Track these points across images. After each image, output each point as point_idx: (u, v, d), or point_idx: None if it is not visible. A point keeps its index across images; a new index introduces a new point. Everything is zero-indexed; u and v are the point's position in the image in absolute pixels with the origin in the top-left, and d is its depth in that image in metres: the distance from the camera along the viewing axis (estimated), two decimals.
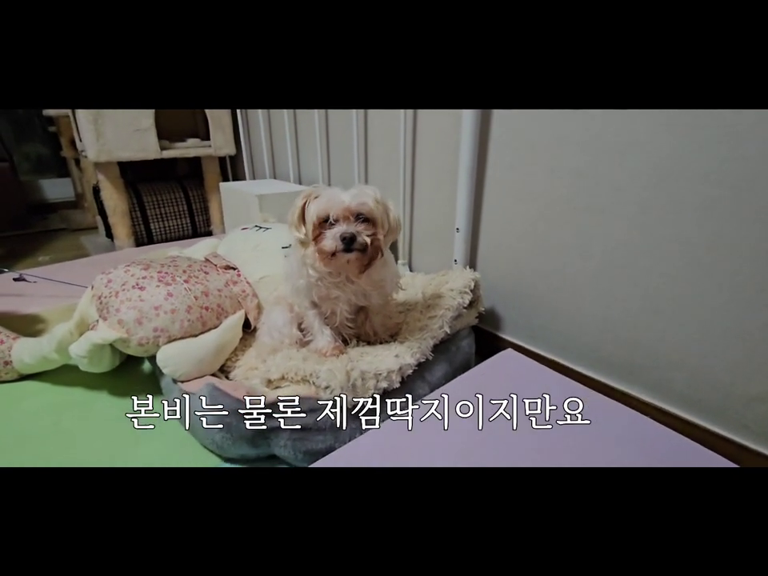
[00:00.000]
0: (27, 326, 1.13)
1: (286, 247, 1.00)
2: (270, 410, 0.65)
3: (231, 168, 2.00)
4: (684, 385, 0.73)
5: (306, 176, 1.56)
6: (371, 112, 1.20)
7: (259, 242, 1.01)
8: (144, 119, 1.56)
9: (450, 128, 0.97)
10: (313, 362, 0.70)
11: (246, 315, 0.92)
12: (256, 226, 1.08)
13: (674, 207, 0.67)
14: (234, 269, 0.96)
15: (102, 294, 0.81)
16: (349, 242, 0.64)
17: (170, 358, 0.78)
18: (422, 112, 1.05)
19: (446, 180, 1.02)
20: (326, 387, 0.66)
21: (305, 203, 0.68)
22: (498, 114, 0.88)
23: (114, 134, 1.52)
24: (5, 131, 2.58)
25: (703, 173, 0.63)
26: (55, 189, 2.75)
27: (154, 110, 1.57)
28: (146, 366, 0.96)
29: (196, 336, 0.82)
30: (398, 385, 0.71)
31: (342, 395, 0.65)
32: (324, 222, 0.66)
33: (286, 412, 0.64)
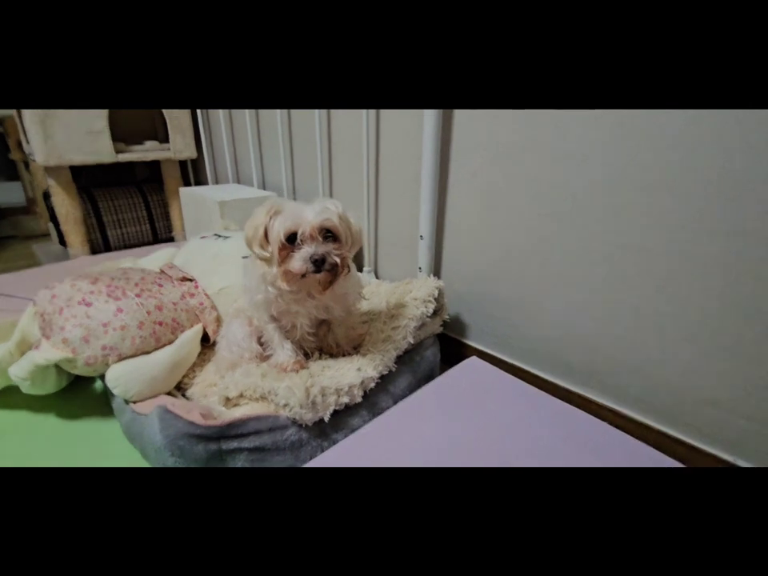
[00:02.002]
0: None
1: (247, 257, 0.97)
2: (224, 433, 0.62)
3: (193, 172, 1.94)
4: (640, 389, 0.74)
5: (270, 181, 1.52)
6: (334, 117, 1.18)
7: (218, 252, 0.98)
8: (97, 120, 1.49)
9: (413, 133, 0.96)
10: (271, 379, 0.68)
11: (204, 329, 0.88)
12: (215, 234, 1.04)
13: (630, 215, 0.69)
14: (191, 280, 0.93)
15: (45, 310, 0.76)
16: (320, 263, 0.62)
17: (120, 377, 0.74)
18: (384, 116, 1.04)
19: (411, 186, 1.01)
20: (285, 405, 0.64)
21: (267, 220, 0.64)
22: (459, 120, 0.88)
23: (63, 136, 1.44)
24: None
25: (657, 181, 0.65)
26: (4, 193, 2.60)
27: (107, 111, 1.50)
28: (98, 384, 0.91)
29: (149, 353, 0.78)
30: (360, 399, 0.70)
31: (301, 413, 0.63)
32: (289, 241, 0.63)
33: (243, 434, 0.62)
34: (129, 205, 1.84)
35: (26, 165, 2.19)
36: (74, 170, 1.59)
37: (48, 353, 0.73)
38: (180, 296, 0.87)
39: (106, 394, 0.85)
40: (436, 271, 1.02)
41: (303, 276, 0.63)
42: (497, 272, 0.91)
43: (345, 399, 0.68)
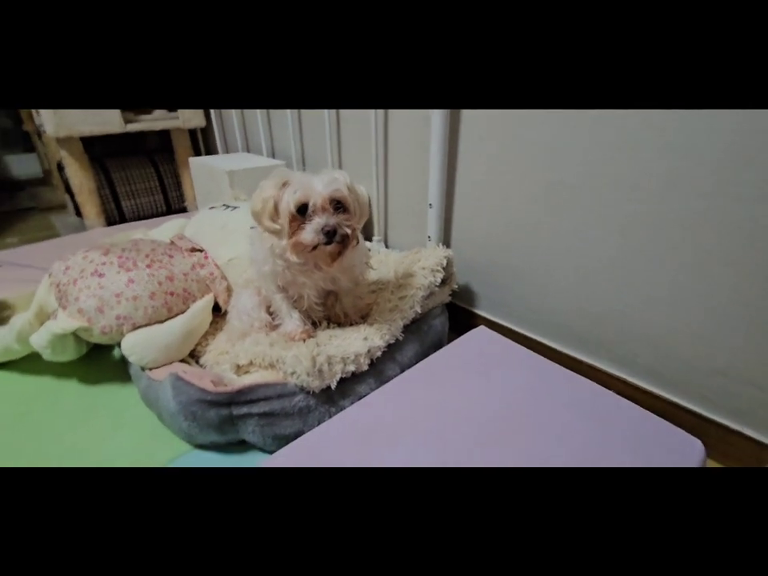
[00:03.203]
0: None
1: (255, 227, 0.97)
2: (234, 399, 0.64)
3: (203, 141, 1.92)
4: (650, 359, 0.74)
5: (279, 149, 1.50)
6: None
7: (227, 222, 0.98)
8: None
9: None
10: (279, 348, 0.69)
11: (215, 299, 0.90)
12: (224, 204, 1.04)
13: (642, 181, 0.66)
14: (201, 251, 0.94)
15: (60, 281, 0.78)
16: (331, 234, 0.61)
17: (135, 346, 0.76)
18: None
19: (419, 154, 0.99)
20: (292, 373, 0.65)
21: (277, 193, 0.63)
22: None
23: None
24: None
25: (673, 145, 0.61)
26: (22, 165, 2.63)
27: None
28: (116, 351, 0.95)
29: (162, 322, 0.80)
30: (366, 367, 0.71)
31: (308, 381, 0.64)
32: (299, 212, 0.62)
33: (252, 400, 0.64)
34: (141, 175, 1.84)
35: (40, 136, 2.21)
36: (86, 141, 1.59)
37: (65, 322, 0.75)
38: (190, 266, 0.88)
39: (124, 361, 0.88)
40: (445, 240, 1.01)
41: (314, 248, 0.63)
42: (507, 241, 0.89)
43: (351, 367, 0.69)
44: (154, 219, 1.74)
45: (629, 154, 0.66)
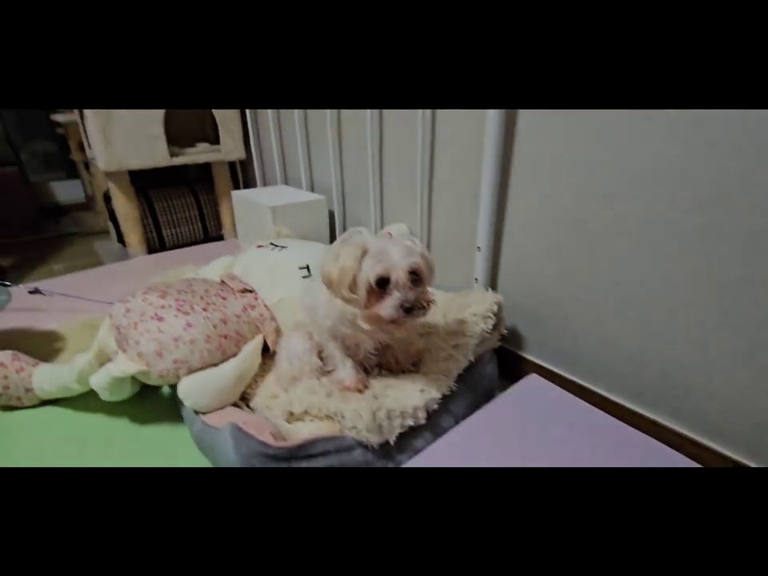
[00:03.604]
0: (45, 343, 1.13)
1: (303, 268, 0.98)
2: (295, 454, 0.64)
3: (242, 173, 1.98)
4: (720, 417, 0.70)
5: (318, 182, 1.53)
6: (386, 118, 1.16)
7: (275, 263, 0.99)
8: (153, 126, 1.53)
9: (470, 141, 0.93)
10: (337, 399, 0.69)
11: (264, 339, 0.90)
12: (271, 243, 1.06)
13: (714, 237, 0.64)
14: (251, 291, 0.95)
15: (120, 324, 0.80)
16: (411, 309, 0.61)
17: (190, 390, 0.77)
18: (440, 120, 1.01)
19: (467, 195, 0.99)
20: (352, 428, 0.65)
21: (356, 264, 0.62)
22: (522, 129, 0.84)
23: (123, 142, 1.50)
24: (11, 130, 2.56)
25: (749, 203, 0.60)
26: (65, 191, 2.74)
27: (163, 117, 1.54)
28: (166, 390, 0.96)
29: (216, 365, 0.81)
30: (423, 422, 0.70)
31: (368, 436, 0.63)
32: (378, 285, 0.61)
33: (312, 454, 0.63)
34: (182, 205, 1.90)
35: (86, 165, 2.30)
36: (132, 172, 1.65)
37: (125, 366, 0.77)
38: (242, 308, 0.89)
39: (174, 400, 0.89)
40: (492, 282, 1.00)
41: (393, 321, 0.62)
42: (560, 286, 0.87)
43: (409, 422, 0.68)
44: (191, 248, 1.79)
45: (697, 206, 0.65)
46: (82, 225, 2.41)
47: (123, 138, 1.49)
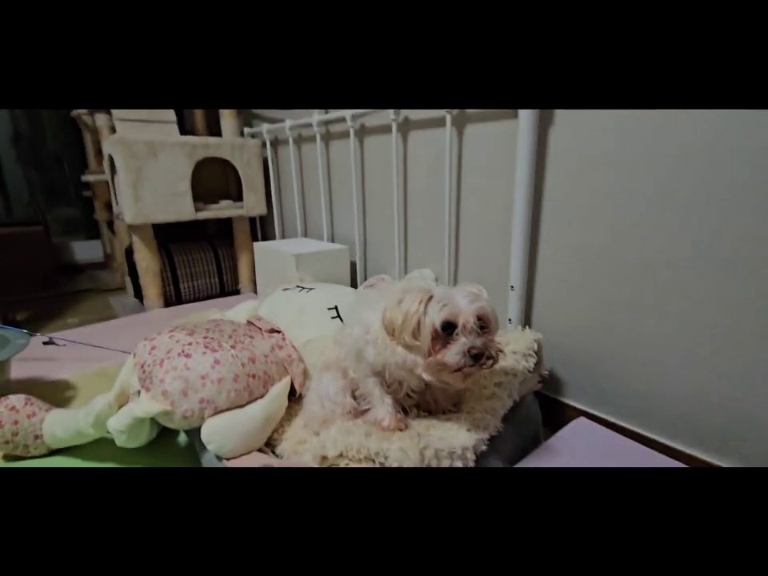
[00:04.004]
0: (57, 392, 1.08)
1: (332, 309, 0.96)
2: None
3: (261, 227, 2.02)
4: None
5: (339, 233, 1.55)
6: (410, 167, 1.19)
7: (303, 304, 0.97)
8: (181, 183, 1.60)
9: (497, 183, 0.95)
10: (378, 439, 0.63)
11: (291, 382, 0.86)
12: (298, 286, 1.05)
13: (760, 263, 0.62)
14: (279, 332, 0.92)
15: (145, 361, 0.77)
16: (479, 357, 0.57)
17: (216, 432, 0.71)
18: (466, 170, 1.04)
19: (496, 233, 0.99)
20: None
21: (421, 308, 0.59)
22: (552, 167, 0.86)
23: (152, 198, 1.55)
24: (38, 196, 2.69)
25: None
26: (85, 250, 2.80)
27: (190, 175, 1.61)
28: (182, 437, 0.90)
29: (242, 407, 0.76)
30: (472, 463, 0.63)
31: None
32: (444, 330, 0.58)
33: None
34: (201, 259, 1.92)
35: (109, 224, 2.37)
36: (155, 227, 1.69)
37: (147, 405, 0.72)
38: (270, 348, 0.85)
39: (192, 447, 0.83)
40: (527, 321, 0.97)
41: (458, 369, 0.58)
42: (600, 324, 0.84)
43: (458, 463, 0.61)
44: (212, 301, 1.78)
45: (744, 229, 0.64)
46: (99, 281, 2.43)
47: (152, 194, 1.55)
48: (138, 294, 1.84)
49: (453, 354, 0.57)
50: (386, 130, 1.22)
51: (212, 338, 0.80)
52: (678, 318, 0.73)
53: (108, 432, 0.75)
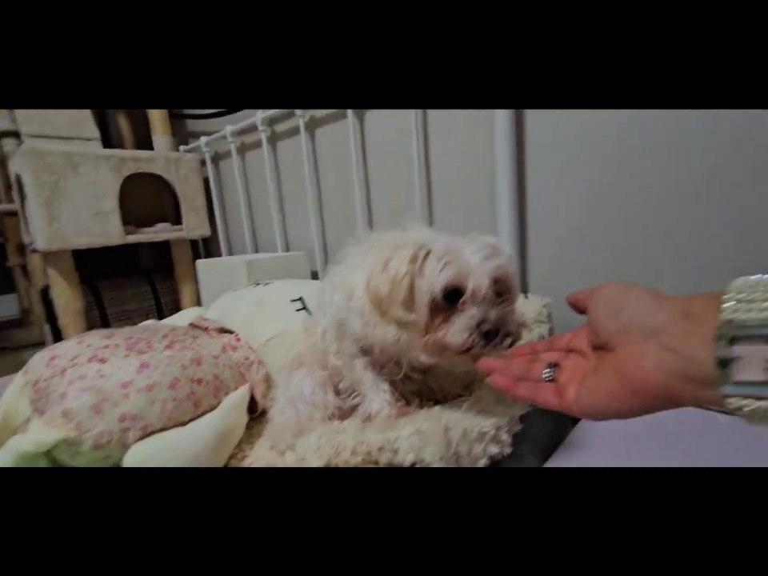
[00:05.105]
0: None
1: (296, 300, 0.78)
2: None
3: (204, 250, 1.82)
4: None
5: (295, 243, 1.39)
6: (371, 160, 1.09)
7: (260, 297, 0.79)
8: (107, 201, 1.39)
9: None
10: (378, 429, 0.46)
11: (251, 391, 0.66)
12: (255, 283, 0.87)
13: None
14: (231, 332, 0.73)
15: (39, 376, 0.55)
16: (492, 336, 0.41)
17: (148, 461, 0.50)
18: (435, 169, 0.94)
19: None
20: (413, 464, 0.41)
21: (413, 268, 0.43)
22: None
23: (70, 218, 1.32)
24: None
25: None
26: None
27: (117, 192, 1.40)
28: None
29: (185, 424, 0.55)
30: (509, 449, 0.47)
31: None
32: (447, 299, 0.43)
33: None
34: (135, 295, 1.68)
35: (23, 269, 2.06)
36: (77, 260, 1.45)
37: (39, 434, 0.50)
38: (221, 348, 0.66)
39: None
40: (524, 289, 0.85)
41: (466, 350, 0.42)
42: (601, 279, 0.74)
43: (493, 449, 0.45)
44: None
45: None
46: (13, 339, 2.08)
47: (70, 214, 1.32)
48: (59, 341, 1.55)
49: (457, 331, 0.41)
50: (338, 116, 1.12)
51: (139, 338, 0.60)
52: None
53: None
